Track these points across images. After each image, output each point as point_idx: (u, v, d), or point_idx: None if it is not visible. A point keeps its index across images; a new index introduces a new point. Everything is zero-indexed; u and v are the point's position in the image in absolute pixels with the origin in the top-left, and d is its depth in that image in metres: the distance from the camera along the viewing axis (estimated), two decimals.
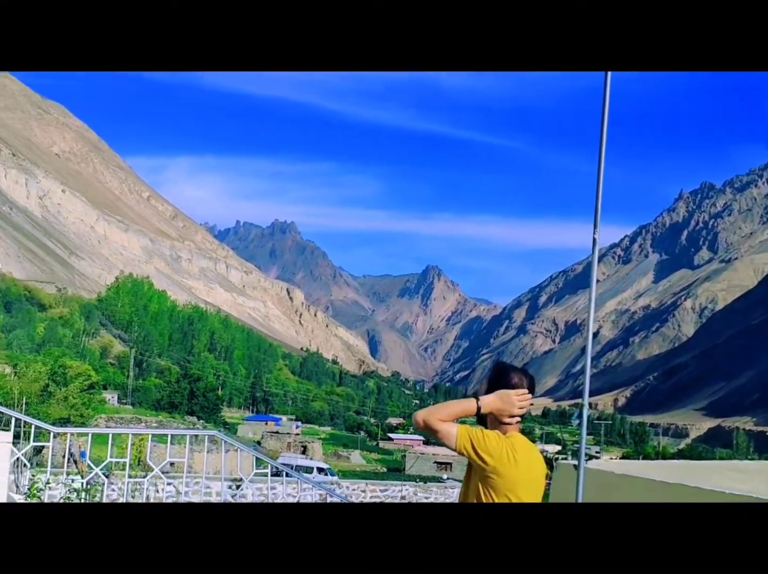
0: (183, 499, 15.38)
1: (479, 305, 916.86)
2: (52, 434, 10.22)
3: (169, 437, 12.19)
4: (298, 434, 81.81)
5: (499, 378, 3.20)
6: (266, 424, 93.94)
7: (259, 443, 71.49)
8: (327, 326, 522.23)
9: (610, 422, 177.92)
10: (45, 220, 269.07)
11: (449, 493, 17.61)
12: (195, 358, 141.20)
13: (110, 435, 11.16)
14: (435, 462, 72.87)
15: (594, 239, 5.51)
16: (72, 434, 24.85)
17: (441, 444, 3.06)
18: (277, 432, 79.45)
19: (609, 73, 4.78)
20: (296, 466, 45.86)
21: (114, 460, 10.98)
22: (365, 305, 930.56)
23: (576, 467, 5.49)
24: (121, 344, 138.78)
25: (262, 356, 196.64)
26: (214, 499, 15.07)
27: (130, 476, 15.66)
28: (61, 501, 9.51)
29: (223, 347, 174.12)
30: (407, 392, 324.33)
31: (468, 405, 3.03)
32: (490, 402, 3.06)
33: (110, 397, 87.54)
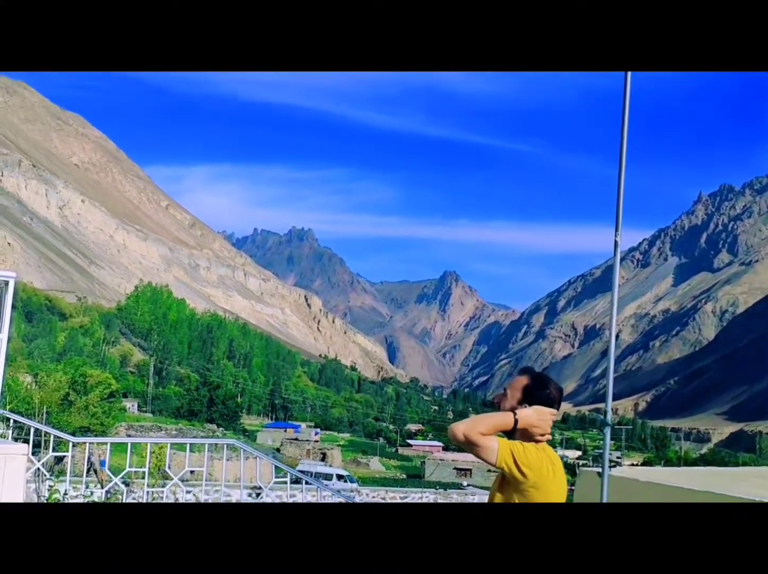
0: None
1: (497, 310, 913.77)
2: (71, 443, 10.25)
3: (188, 445, 12.19)
4: (317, 441, 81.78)
5: (537, 390, 3.08)
6: (285, 431, 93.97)
7: (278, 450, 71.53)
8: (345, 332, 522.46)
9: (631, 427, 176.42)
10: (65, 230, 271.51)
11: (470, 500, 17.46)
12: (214, 365, 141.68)
13: (128, 444, 11.17)
14: (455, 468, 72.60)
15: (616, 242, 5.44)
16: (91, 444, 24.96)
17: (478, 457, 2.92)
18: (296, 439, 79.48)
19: (629, 73, 4.71)
20: (315, 473, 45.84)
21: (133, 469, 10.97)
22: (383, 311, 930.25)
23: (599, 475, 5.40)
24: (141, 353, 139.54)
25: (281, 363, 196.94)
26: None
27: (148, 485, 15.67)
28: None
29: (241, 355, 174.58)
30: (426, 398, 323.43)
31: (505, 419, 2.94)
32: (526, 417, 2.96)
33: (130, 405, 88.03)
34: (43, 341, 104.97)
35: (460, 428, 2.84)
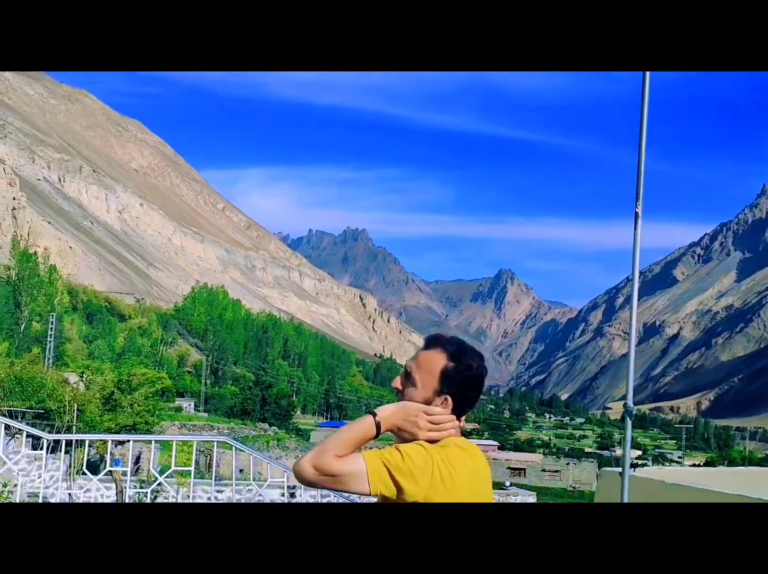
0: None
1: (554, 308, 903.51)
2: (87, 442, 10.14)
3: (215, 443, 11.98)
4: None
5: (459, 373, 2.26)
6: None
7: None
8: (400, 331, 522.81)
9: (692, 426, 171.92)
10: (124, 233, 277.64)
11: (512, 500, 16.89)
12: (269, 365, 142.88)
13: (153, 442, 11.07)
14: (508, 468, 71.71)
15: (636, 213, 4.91)
16: (136, 442, 25.12)
17: (346, 492, 2.06)
18: None
19: (648, 73, 4.38)
20: None
21: (177, 468, 10.81)
22: (438, 310, 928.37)
23: (621, 475, 4.87)
24: (198, 353, 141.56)
25: (336, 363, 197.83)
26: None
27: (178, 483, 15.43)
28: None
29: (296, 354, 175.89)
30: (482, 397, 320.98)
31: (364, 427, 2.13)
32: (389, 417, 2.17)
33: (187, 405, 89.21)
34: (103, 342, 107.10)
35: (306, 461, 2.02)
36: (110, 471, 9.87)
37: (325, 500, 14.79)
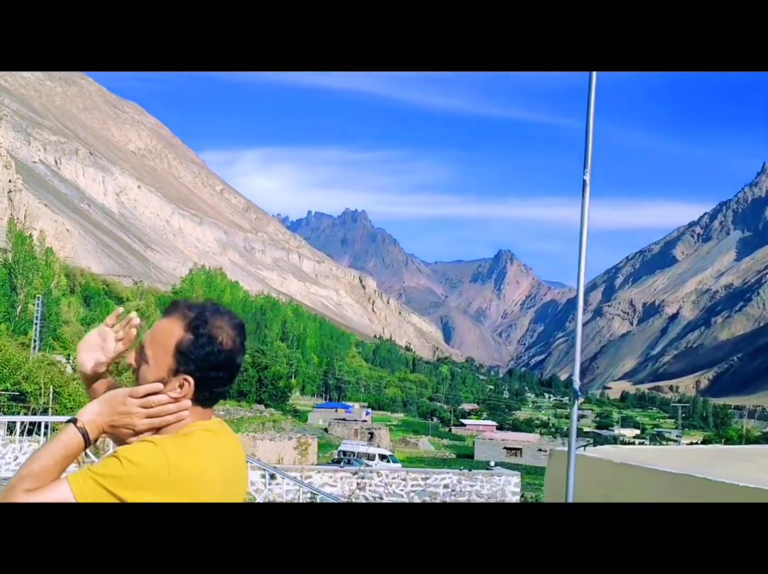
0: None
1: (553, 289, 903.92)
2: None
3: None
4: (365, 421, 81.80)
5: (200, 348, 1.72)
6: (336, 411, 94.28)
7: (326, 430, 71.70)
8: (400, 313, 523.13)
9: (688, 404, 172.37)
10: (122, 215, 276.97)
11: (495, 481, 16.75)
12: (268, 347, 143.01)
13: None
14: (504, 448, 71.89)
15: (584, 181, 4.68)
16: None
17: None
18: (344, 419, 79.59)
19: (594, 73, 4.20)
20: (358, 453, 45.63)
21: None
22: (438, 291, 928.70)
23: (568, 455, 4.66)
24: None
25: (335, 344, 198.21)
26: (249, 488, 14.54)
27: None
28: None
29: (295, 336, 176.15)
30: (481, 377, 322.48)
31: (65, 440, 1.65)
32: (95, 421, 1.69)
33: None
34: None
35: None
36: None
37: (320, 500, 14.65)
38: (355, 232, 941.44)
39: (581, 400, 4.95)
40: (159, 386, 1.69)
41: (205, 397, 1.74)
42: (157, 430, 1.70)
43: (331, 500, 11.99)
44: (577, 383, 4.57)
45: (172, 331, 1.72)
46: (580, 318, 4.72)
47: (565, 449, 5.09)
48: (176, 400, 1.70)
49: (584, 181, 4.59)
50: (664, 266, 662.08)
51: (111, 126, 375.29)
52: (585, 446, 5.16)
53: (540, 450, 67.22)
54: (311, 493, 13.34)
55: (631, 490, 4.59)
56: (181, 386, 1.70)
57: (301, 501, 13.91)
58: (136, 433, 1.68)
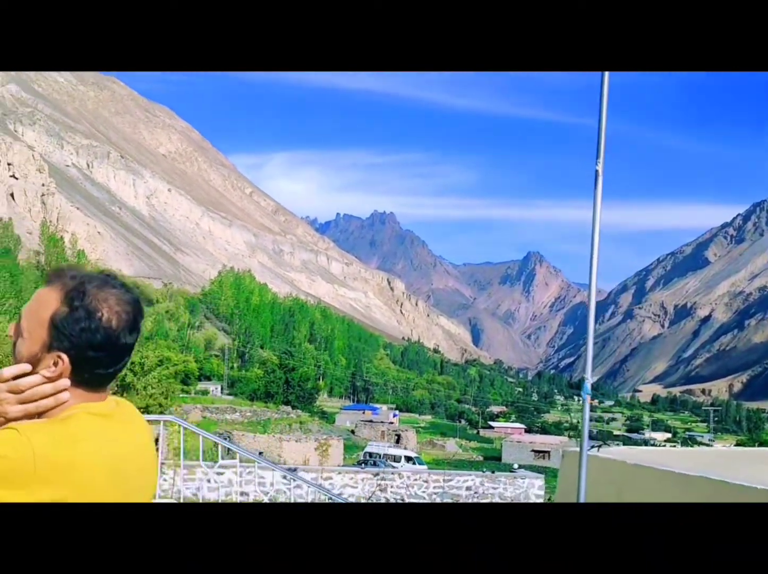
0: (235, 489, 15.01)
1: (583, 291, 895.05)
2: None
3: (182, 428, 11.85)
4: (392, 423, 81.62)
5: (76, 323, 1.48)
6: (363, 413, 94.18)
7: (353, 432, 71.63)
8: (428, 315, 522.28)
9: (721, 408, 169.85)
10: (152, 218, 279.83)
11: (519, 483, 16.59)
12: (296, 349, 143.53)
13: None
14: (532, 450, 71.31)
15: (596, 172, 4.62)
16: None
17: None
18: (371, 421, 79.47)
19: (606, 73, 4.28)
20: (384, 454, 45.49)
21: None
22: (466, 293, 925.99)
23: (580, 455, 4.56)
24: (225, 337, 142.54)
25: (363, 346, 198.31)
26: (267, 488, 14.59)
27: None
28: None
29: (323, 338, 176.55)
30: (510, 379, 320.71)
31: None
32: None
33: (214, 388, 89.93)
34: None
35: None
36: None
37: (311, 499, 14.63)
38: (384, 234, 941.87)
39: (590, 399, 4.84)
40: (27, 367, 1.48)
41: (84, 379, 1.51)
42: (35, 416, 1.48)
43: (339, 501, 11.88)
44: (589, 382, 4.46)
45: (49, 301, 1.51)
46: (592, 313, 4.60)
47: (578, 449, 4.94)
48: (50, 380, 1.47)
49: (596, 171, 4.50)
50: (696, 268, 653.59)
51: (142, 130, 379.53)
52: (598, 447, 5.04)
53: None
54: (322, 494, 13.33)
55: (643, 490, 4.47)
56: (55, 364, 1.48)
57: (317, 502, 13.88)
58: (9, 421, 1.46)
